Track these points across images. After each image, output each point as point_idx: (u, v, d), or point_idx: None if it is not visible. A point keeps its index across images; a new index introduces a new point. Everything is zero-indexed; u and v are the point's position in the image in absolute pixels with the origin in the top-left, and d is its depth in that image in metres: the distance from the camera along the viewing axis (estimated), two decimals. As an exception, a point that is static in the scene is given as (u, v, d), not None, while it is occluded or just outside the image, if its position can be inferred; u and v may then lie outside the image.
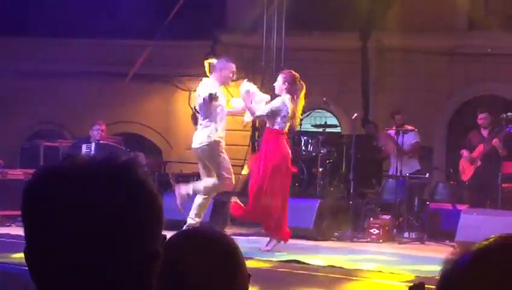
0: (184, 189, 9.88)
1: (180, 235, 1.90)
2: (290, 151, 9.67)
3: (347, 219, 11.82)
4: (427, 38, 16.48)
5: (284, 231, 9.49)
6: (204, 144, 9.71)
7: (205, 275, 1.83)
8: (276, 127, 9.43)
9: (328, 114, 17.19)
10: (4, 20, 16.83)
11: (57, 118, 18.12)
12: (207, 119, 9.79)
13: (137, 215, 1.32)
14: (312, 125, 14.44)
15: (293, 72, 9.60)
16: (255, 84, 10.34)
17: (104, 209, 1.29)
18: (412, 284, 1.63)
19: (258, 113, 9.57)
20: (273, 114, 9.39)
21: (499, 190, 11.60)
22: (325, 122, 14.35)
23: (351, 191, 12.19)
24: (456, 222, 10.72)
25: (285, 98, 9.41)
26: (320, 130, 13.43)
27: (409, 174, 12.41)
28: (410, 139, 12.78)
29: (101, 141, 13.02)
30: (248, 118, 10.07)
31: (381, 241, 11.13)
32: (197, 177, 14.70)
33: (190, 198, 9.87)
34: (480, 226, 9.64)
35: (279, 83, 9.52)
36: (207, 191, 9.77)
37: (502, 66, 16.39)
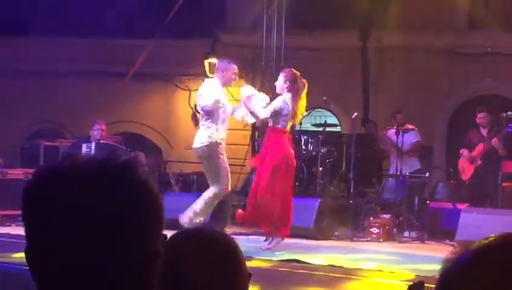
0: (186, 218, 9.76)
1: (180, 235, 1.90)
2: (292, 150, 9.67)
3: (347, 218, 11.82)
4: (427, 37, 16.48)
5: (287, 229, 9.49)
6: (205, 144, 9.71)
7: (205, 275, 1.83)
8: (279, 126, 9.44)
9: (328, 113, 17.20)
10: (4, 20, 16.82)
11: (57, 117, 18.12)
12: (209, 120, 9.80)
13: (137, 215, 1.32)
14: (312, 125, 14.43)
15: (294, 70, 9.59)
16: (255, 83, 10.37)
17: (104, 209, 1.30)
18: (411, 283, 1.63)
19: (261, 116, 9.56)
20: (275, 114, 9.40)
21: (498, 189, 11.60)
22: (325, 121, 14.35)
23: (351, 190, 12.19)
24: (456, 221, 10.72)
25: (286, 97, 9.42)
26: (320, 129, 13.43)
27: (409, 173, 12.41)
28: (410, 138, 12.77)
29: (101, 141, 13.01)
30: (250, 119, 10.08)
31: (381, 240, 11.12)
32: (197, 176, 14.76)
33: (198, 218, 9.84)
34: (480, 225, 9.64)
35: (281, 82, 9.52)
36: (209, 205, 9.75)
37: (502, 65, 16.39)
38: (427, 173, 13.00)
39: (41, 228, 1.31)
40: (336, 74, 16.51)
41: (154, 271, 1.35)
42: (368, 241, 11.12)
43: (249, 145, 15.71)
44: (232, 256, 1.89)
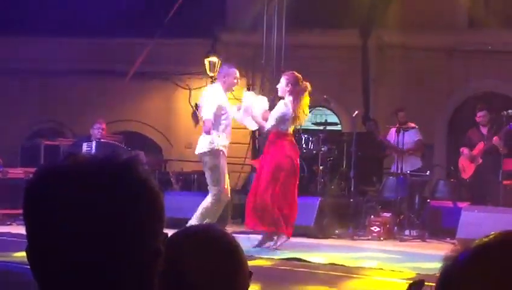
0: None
1: (180, 234, 1.90)
2: (297, 153, 9.64)
3: (348, 217, 11.83)
4: (427, 36, 16.48)
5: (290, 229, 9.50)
6: (206, 150, 9.72)
7: (206, 274, 1.83)
8: (280, 129, 9.44)
9: (329, 112, 17.20)
10: (4, 19, 16.82)
11: (57, 116, 18.13)
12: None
13: (138, 214, 1.32)
14: (312, 123, 14.43)
15: (296, 73, 9.58)
16: (255, 82, 10.37)
17: (105, 208, 1.30)
18: (412, 281, 1.63)
19: (267, 127, 9.57)
20: (279, 120, 9.41)
21: (499, 187, 11.60)
22: (326, 120, 14.36)
23: (352, 188, 12.20)
24: (457, 220, 10.72)
25: (288, 100, 9.43)
26: (321, 127, 13.43)
27: (410, 171, 12.41)
28: (412, 136, 12.78)
29: (102, 140, 13.01)
30: (254, 127, 10.11)
31: (382, 239, 11.13)
32: (197, 175, 14.76)
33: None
34: (481, 223, 9.64)
35: (282, 85, 9.51)
36: (208, 214, 9.74)
37: (502, 64, 16.38)
38: (428, 172, 13.00)
39: (42, 227, 1.31)
40: (336, 73, 16.51)
41: (155, 270, 1.35)
42: (368, 239, 11.13)
43: (249, 144, 15.71)
44: (233, 255, 1.88)
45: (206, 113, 9.72)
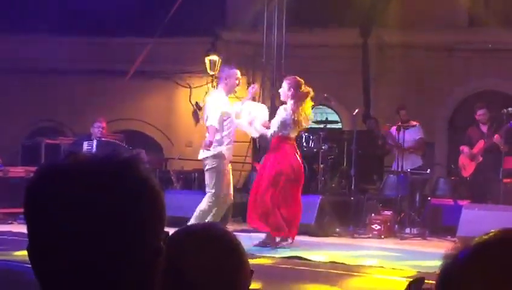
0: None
1: (181, 233, 1.91)
2: (299, 159, 9.63)
3: (348, 215, 11.83)
4: (427, 34, 16.48)
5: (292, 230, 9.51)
6: (207, 155, 9.73)
7: (207, 272, 1.83)
8: (282, 133, 9.45)
9: (329, 110, 17.20)
10: (4, 18, 16.82)
11: (57, 115, 18.13)
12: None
13: (139, 212, 1.32)
14: (313, 122, 14.40)
15: (298, 78, 9.59)
16: (255, 80, 10.37)
17: (106, 207, 1.30)
18: (412, 279, 1.64)
19: (270, 133, 9.58)
20: (281, 126, 9.42)
21: (500, 185, 11.59)
22: (326, 118, 14.34)
23: (352, 187, 12.20)
24: (458, 217, 10.72)
25: (289, 105, 9.43)
26: (321, 126, 13.41)
27: (411, 169, 12.40)
28: (413, 135, 12.77)
29: (103, 139, 13.01)
30: (255, 134, 10.12)
31: (382, 237, 11.12)
32: (198, 173, 14.76)
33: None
34: (481, 221, 9.64)
35: (285, 90, 9.51)
36: (204, 217, 9.75)
37: (502, 62, 16.39)
38: (428, 170, 13.00)
39: (43, 226, 1.31)
40: (337, 71, 16.52)
41: (156, 268, 1.35)
42: (369, 237, 11.12)
43: (250, 142, 15.70)
44: (234, 253, 1.89)
45: (211, 120, 9.73)
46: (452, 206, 11.73)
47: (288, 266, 8.24)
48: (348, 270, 7.98)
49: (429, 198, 12.57)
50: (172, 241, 1.67)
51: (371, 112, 16.51)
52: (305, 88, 9.45)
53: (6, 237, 9.88)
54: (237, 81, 9.85)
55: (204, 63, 17.33)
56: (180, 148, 17.68)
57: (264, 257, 8.54)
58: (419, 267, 7.89)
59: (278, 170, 9.36)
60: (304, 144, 12.78)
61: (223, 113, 9.69)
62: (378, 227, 11.25)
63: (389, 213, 11.65)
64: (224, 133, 9.76)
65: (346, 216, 11.79)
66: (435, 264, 1.41)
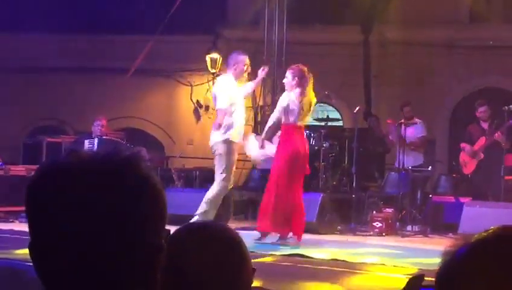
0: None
1: (183, 230, 1.90)
2: (306, 146, 9.61)
3: (350, 213, 11.83)
4: (428, 31, 16.46)
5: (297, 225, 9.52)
6: (217, 141, 9.76)
7: (209, 270, 1.83)
8: (288, 121, 9.43)
9: (330, 108, 17.19)
10: (5, 17, 16.81)
11: (59, 114, 18.13)
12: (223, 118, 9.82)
13: (141, 210, 1.32)
14: (314, 119, 14.40)
15: (301, 65, 9.57)
16: (256, 78, 10.35)
17: (107, 205, 1.30)
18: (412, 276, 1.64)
19: (272, 119, 9.62)
20: (283, 111, 9.41)
21: (501, 182, 11.59)
22: (327, 116, 14.34)
23: (354, 184, 12.19)
24: (459, 215, 10.72)
25: (291, 93, 9.42)
26: (322, 123, 13.41)
27: (412, 167, 12.39)
28: (416, 132, 12.76)
29: (104, 137, 13.02)
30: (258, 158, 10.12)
31: (384, 234, 11.12)
32: (199, 171, 14.76)
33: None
34: (483, 218, 9.64)
35: (289, 79, 9.49)
36: (214, 203, 9.81)
37: (504, 59, 16.37)
38: (430, 167, 12.99)
39: (43, 226, 1.31)
40: (338, 69, 16.51)
41: (157, 266, 1.35)
42: (370, 235, 11.12)
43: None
44: (235, 251, 1.89)
45: (220, 104, 9.74)
46: (453, 204, 11.74)
47: (290, 264, 8.24)
48: (349, 268, 7.98)
49: (430, 195, 12.57)
50: (174, 240, 1.67)
51: (372, 109, 16.50)
52: (309, 75, 9.45)
53: (8, 235, 9.88)
54: (245, 67, 9.85)
55: (205, 61, 17.33)
56: (182, 146, 17.68)
57: (265, 254, 8.54)
58: (421, 264, 7.88)
59: (287, 154, 9.35)
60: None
61: (232, 97, 9.70)
62: (380, 224, 11.24)
63: (390, 211, 11.65)
64: (234, 117, 9.76)
65: (347, 214, 11.80)
66: (436, 261, 1.41)
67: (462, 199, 11.63)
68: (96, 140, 12.83)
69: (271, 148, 9.79)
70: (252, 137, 10.17)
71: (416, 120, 12.87)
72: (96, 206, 1.29)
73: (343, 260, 8.37)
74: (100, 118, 13.30)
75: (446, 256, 1.35)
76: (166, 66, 17.83)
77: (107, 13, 16.85)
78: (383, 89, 16.93)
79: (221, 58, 16.99)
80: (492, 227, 1.36)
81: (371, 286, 7.37)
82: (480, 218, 9.80)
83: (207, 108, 18.14)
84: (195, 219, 9.48)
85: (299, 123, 9.49)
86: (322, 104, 16.53)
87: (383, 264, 8.24)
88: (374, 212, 11.63)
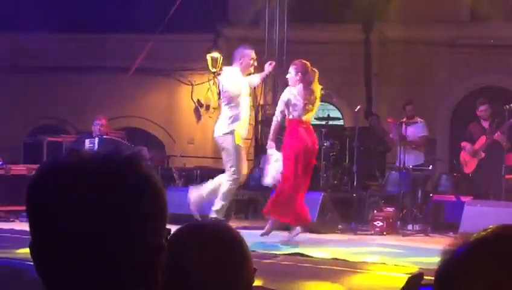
0: (196, 193, 9.96)
1: (184, 230, 1.90)
2: (313, 140, 9.58)
3: (351, 212, 11.83)
4: (429, 29, 16.46)
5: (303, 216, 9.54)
6: (223, 132, 9.76)
7: (210, 269, 1.83)
8: (291, 116, 9.43)
9: (331, 107, 17.19)
10: (5, 16, 16.82)
11: (59, 113, 18.14)
12: (229, 109, 9.81)
13: (141, 210, 1.32)
14: (315, 118, 14.40)
15: (304, 61, 9.56)
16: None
17: (107, 206, 1.29)
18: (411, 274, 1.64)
19: (276, 115, 9.61)
20: (286, 106, 9.41)
21: (502, 181, 11.58)
22: (328, 114, 14.34)
23: (355, 183, 12.19)
24: (460, 214, 10.72)
25: (293, 88, 9.42)
26: (323, 122, 13.42)
27: (413, 166, 12.39)
28: (417, 131, 12.75)
29: (104, 136, 13.02)
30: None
31: (384, 233, 11.11)
32: (200, 171, 14.75)
33: (204, 199, 9.97)
34: (483, 217, 9.63)
35: (292, 75, 9.48)
36: (228, 198, 9.84)
37: (505, 57, 16.37)
38: (430, 166, 12.98)
39: (44, 226, 1.31)
40: (339, 68, 16.50)
41: (158, 266, 1.35)
42: (371, 234, 11.11)
43: (251, 139, 15.70)
44: (237, 250, 1.88)
45: (228, 87, 9.71)
46: (454, 203, 11.73)
47: (290, 263, 8.24)
48: (350, 267, 7.97)
49: (431, 194, 12.56)
50: (175, 239, 1.67)
51: (372, 108, 16.50)
52: (312, 70, 9.44)
53: (8, 234, 9.88)
54: (251, 61, 9.84)
55: (206, 60, 17.33)
56: (182, 145, 17.68)
57: (266, 253, 8.54)
58: (422, 263, 7.87)
59: (291, 150, 9.36)
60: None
61: (238, 88, 9.70)
62: (381, 223, 11.24)
63: (391, 210, 11.64)
64: (239, 109, 9.76)
65: (348, 213, 11.79)
66: (437, 260, 1.41)
67: (463, 198, 11.62)
68: (96, 139, 12.83)
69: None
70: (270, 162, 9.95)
71: (418, 119, 12.86)
72: (97, 206, 1.29)
73: (344, 259, 8.37)
74: (99, 117, 13.30)
75: (445, 255, 1.35)
76: (167, 65, 17.83)
77: (107, 12, 16.84)
78: (383, 88, 16.93)
79: (221, 57, 16.99)
80: (491, 226, 1.36)
81: (372, 285, 7.37)
82: (481, 217, 9.80)
83: (208, 107, 18.15)
84: (212, 216, 9.51)
85: (304, 118, 9.47)
86: (322, 103, 16.51)
87: (384, 264, 8.24)
88: (375, 211, 11.63)
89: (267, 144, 10.39)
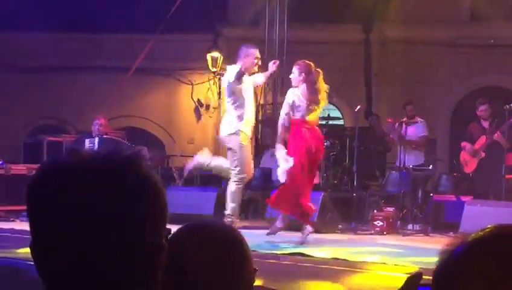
0: (203, 159, 10.07)
1: (185, 229, 1.90)
2: (314, 140, 9.56)
3: (351, 211, 11.83)
4: (429, 29, 16.47)
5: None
6: (229, 133, 9.76)
7: (210, 269, 1.83)
8: (295, 117, 9.43)
9: (331, 106, 17.17)
10: (4, 16, 16.81)
11: (59, 113, 18.14)
12: (234, 108, 9.82)
13: (141, 209, 1.32)
14: (315, 118, 14.41)
15: (307, 61, 9.55)
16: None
17: (107, 206, 1.29)
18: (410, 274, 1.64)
19: (280, 119, 9.61)
20: (291, 107, 9.42)
21: (502, 181, 11.58)
22: (328, 114, 14.34)
23: (355, 183, 12.18)
24: (460, 214, 10.71)
25: (296, 89, 9.42)
26: (323, 122, 13.41)
27: (413, 166, 12.39)
28: (417, 131, 12.75)
29: (104, 136, 13.01)
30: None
31: (385, 233, 11.11)
32: (199, 170, 14.73)
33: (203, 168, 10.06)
34: (484, 217, 9.63)
35: (296, 75, 9.47)
36: (237, 198, 9.86)
37: (505, 57, 16.37)
38: (431, 166, 12.98)
39: (44, 226, 1.31)
40: (339, 67, 16.48)
41: (158, 266, 1.35)
42: (371, 234, 11.11)
43: (251, 138, 15.70)
44: (237, 250, 1.88)
45: (231, 77, 9.72)
46: (454, 203, 11.72)
47: (291, 263, 8.24)
48: (350, 267, 7.97)
49: (431, 194, 12.56)
50: (175, 239, 1.67)
51: (372, 108, 16.50)
52: (315, 71, 9.44)
53: (8, 234, 9.88)
54: (255, 60, 9.83)
55: (206, 60, 17.33)
56: (182, 145, 17.67)
57: (266, 253, 8.54)
58: (422, 263, 7.87)
59: (293, 151, 9.37)
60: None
61: (243, 87, 9.71)
62: (381, 223, 11.23)
63: (391, 209, 11.64)
64: (244, 111, 9.76)
65: (348, 213, 11.79)
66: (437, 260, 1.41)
67: (463, 198, 11.61)
68: (96, 139, 12.82)
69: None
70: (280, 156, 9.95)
71: (418, 119, 12.86)
72: (97, 205, 1.29)
73: (344, 259, 8.37)
74: (99, 117, 13.29)
75: (443, 255, 1.35)
76: (167, 65, 17.84)
77: (107, 12, 16.84)
78: (383, 88, 16.92)
79: (221, 57, 16.99)
80: (489, 226, 1.36)
81: (372, 285, 7.37)
82: (481, 217, 9.79)
83: (208, 107, 18.15)
84: (227, 220, 9.50)
85: (307, 118, 9.46)
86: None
87: (384, 263, 8.23)
88: (375, 211, 11.62)
89: (266, 144, 10.42)
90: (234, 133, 9.75)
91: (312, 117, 9.51)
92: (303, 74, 9.38)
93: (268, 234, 9.49)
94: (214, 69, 17.23)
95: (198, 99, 18.21)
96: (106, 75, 17.57)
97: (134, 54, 15.97)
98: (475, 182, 12.39)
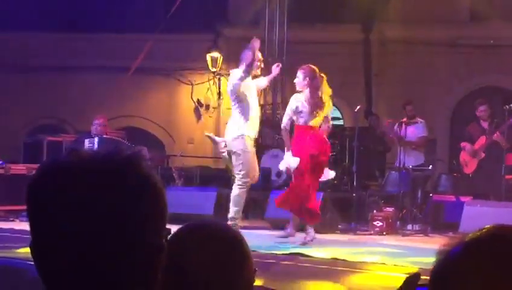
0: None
1: (184, 229, 1.90)
2: (317, 145, 9.56)
3: (350, 212, 11.83)
4: (429, 29, 16.47)
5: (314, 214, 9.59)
6: (233, 137, 9.76)
7: (210, 269, 1.83)
8: (298, 123, 9.44)
9: (331, 107, 17.18)
10: (4, 16, 16.82)
11: (59, 112, 18.14)
12: (238, 112, 9.81)
13: (141, 209, 1.32)
14: (315, 118, 14.40)
15: (312, 66, 9.54)
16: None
17: (107, 206, 1.29)
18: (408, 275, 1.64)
19: (283, 124, 9.63)
20: (294, 113, 9.42)
21: (502, 181, 11.58)
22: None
23: (354, 183, 12.18)
24: (460, 214, 10.72)
25: (299, 94, 9.42)
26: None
27: (413, 166, 12.39)
28: (416, 132, 12.75)
29: (104, 136, 13.01)
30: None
31: (384, 233, 11.11)
32: (200, 170, 14.75)
33: None
34: (483, 217, 9.63)
35: (300, 80, 9.46)
36: (240, 202, 9.87)
37: (505, 58, 16.37)
38: (430, 166, 12.98)
39: (43, 226, 1.31)
40: (338, 68, 16.47)
41: (157, 266, 1.35)
42: (371, 234, 11.11)
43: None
44: (237, 250, 1.88)
45: (234, 80, 9.73)
46: (454, 203, 11.72)
47: (290, 263, 8.24)
48: (349, 267, 7.97)
49: (431, 194, 12.56)
50: (175, 239, 1.67)
51: (372, 108, 16.50)
52: (319, 75, 9.44)
53: (8, 234, 9.87)
54: (258, 63, 9.83)
55: (206, 60, 17.33)
56: (182, 145, 17.68)
57: (266, 253, 8.54)
58: (421, 263, 7.86)
59: (295, 154, 9.39)
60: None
61: (246, 90, 9.71)
62: (380, 224, 11.23)
63: (391, 210, 11.64)
64: (248, 114, 9.76)
65: (348, 213, 11.79)
66: (436, 260, 1.41)
67: (463, 198, 11.61)
68: (96, 139, 12.81)
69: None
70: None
71: (418, 120, 12.86)
72: (97, 206, 1.29)
73: (344, 259, 8.36)
74: (98, 117, 13.28)
75: (440, 255, 1.35)
76: (167, 65, 17.84)
77: (107, 12, 16.84)
78: (383, 88, 16.93)
79: (221, 57, 16.99)
80: (486, 226, 1.36)
81: (372, 285, 7.37)
82: (480, 217, 9.79)
83: (207, 107, 18.16)
84: (230, 223, 9.49)
85: (311, 123, 9.46)
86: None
87: (384, 264, 8.23)
88: (375, 211, 11.62)
89: (266, 144, 10.43)
90: (238, 137, 9.74)
91: (315, 122, 9.52)
92: (307, 78, 9.37)
93: (279, 237, 9.54)
94: (214, 69, 17.24)
95: (198, 100, 18.21)
96: (106, 75, 17.57)
97: (134, 54, 15.98)
98: (475, 183, 12.38)
